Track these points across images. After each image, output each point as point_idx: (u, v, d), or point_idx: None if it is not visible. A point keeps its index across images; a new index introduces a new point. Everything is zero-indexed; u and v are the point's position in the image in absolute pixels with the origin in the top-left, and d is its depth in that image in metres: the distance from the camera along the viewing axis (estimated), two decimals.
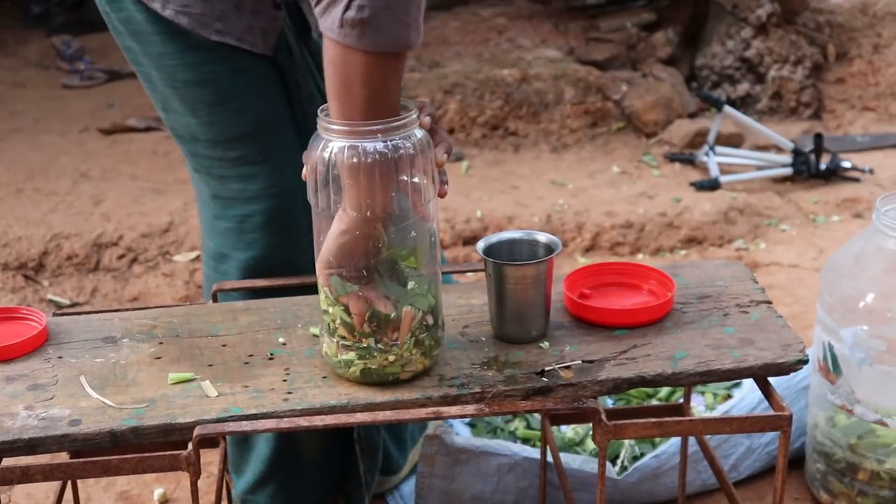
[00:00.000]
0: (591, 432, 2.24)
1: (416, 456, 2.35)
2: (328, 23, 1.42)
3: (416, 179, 1.47)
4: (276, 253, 1.91)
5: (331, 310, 1.53)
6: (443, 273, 1.96)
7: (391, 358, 1.52)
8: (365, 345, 1.52)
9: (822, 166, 4.14)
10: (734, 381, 2.56)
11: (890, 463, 2.17)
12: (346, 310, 1.51)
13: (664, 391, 2.54)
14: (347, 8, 1.39)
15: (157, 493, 2.40)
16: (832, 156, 4.17)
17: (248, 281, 1.91)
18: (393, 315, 1.50)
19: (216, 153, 1.85)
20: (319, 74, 1.83)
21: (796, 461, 2.38)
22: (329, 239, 1.50)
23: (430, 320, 1.55)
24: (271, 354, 1.64)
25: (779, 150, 4.35)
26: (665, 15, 5.09)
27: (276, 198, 1.87)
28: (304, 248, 1.89)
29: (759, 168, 4.23)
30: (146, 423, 1.47)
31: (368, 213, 1.45)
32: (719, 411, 2.40)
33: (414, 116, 1.48)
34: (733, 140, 4.46)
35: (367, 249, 1.48)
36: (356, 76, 1.43)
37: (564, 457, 2.17)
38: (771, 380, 1.63)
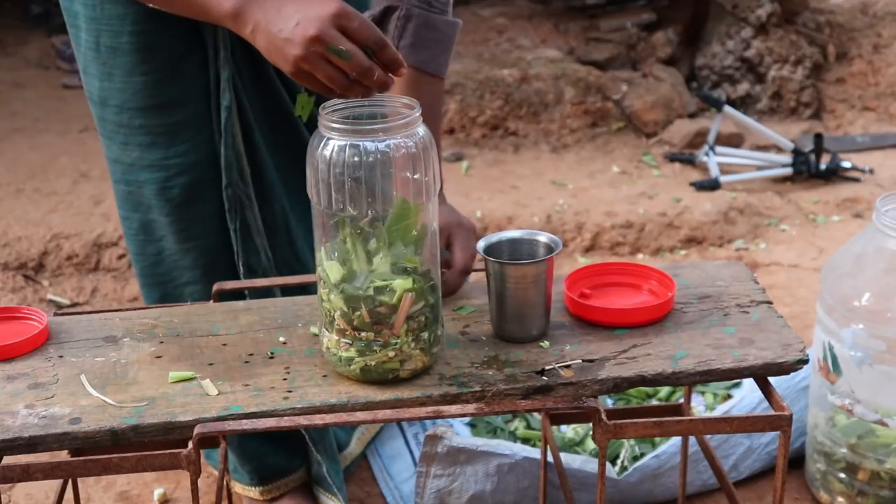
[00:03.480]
0: (591, 432, 2.23)
1: (368, 433, 2.42)
2: None
3: (416, 177, 1.47)
4: (170, 221, 1.97)
5: (331, 297, 1.52)
6: None
7: (391, 353, 1.52)
8: (364, 340, 1.52)
9: (822, 166, 4.14)
10: (734, 381, 2.56)
11: (890, 463, 2.17)
12: (346, 300, 1.51)
13: (664, 391, 2.54)
14: None
15: (157, 493, 2.40)
16: (832, 156, 4.17)
17: (249, 281, 1.92)
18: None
19: (122, 119, 1.92)
20: None
21: (796, 461, 2.38)
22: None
23: (430, 315, 1.55)
24: (272, 353, 1.64)
25: (779, 150, 4.35)
26: (665, 15, 5.09)
27: (171, 168, 1.94)
28: (203, 224, 1.98)
29: (759, 168, 4.23)
30: (146, 421, 1.47)
31: None
32: (719, 411, 2.40)
33: (417, 115, 1.48)
34: (733, 140, 4.45)
35: None
36: None
37: (564, 457, 2.17)
38: (771, 380, 1.63)
